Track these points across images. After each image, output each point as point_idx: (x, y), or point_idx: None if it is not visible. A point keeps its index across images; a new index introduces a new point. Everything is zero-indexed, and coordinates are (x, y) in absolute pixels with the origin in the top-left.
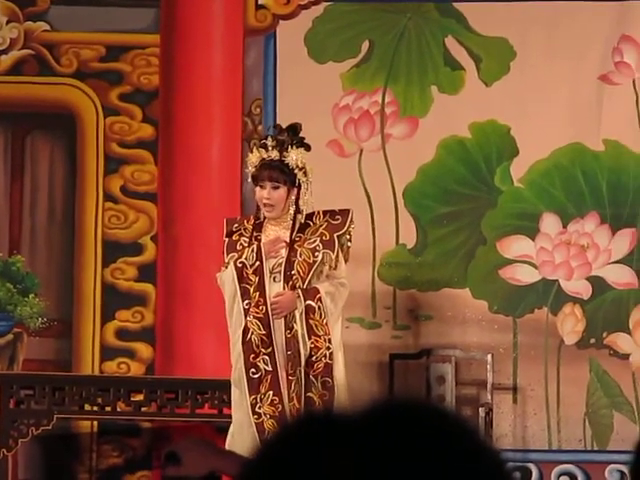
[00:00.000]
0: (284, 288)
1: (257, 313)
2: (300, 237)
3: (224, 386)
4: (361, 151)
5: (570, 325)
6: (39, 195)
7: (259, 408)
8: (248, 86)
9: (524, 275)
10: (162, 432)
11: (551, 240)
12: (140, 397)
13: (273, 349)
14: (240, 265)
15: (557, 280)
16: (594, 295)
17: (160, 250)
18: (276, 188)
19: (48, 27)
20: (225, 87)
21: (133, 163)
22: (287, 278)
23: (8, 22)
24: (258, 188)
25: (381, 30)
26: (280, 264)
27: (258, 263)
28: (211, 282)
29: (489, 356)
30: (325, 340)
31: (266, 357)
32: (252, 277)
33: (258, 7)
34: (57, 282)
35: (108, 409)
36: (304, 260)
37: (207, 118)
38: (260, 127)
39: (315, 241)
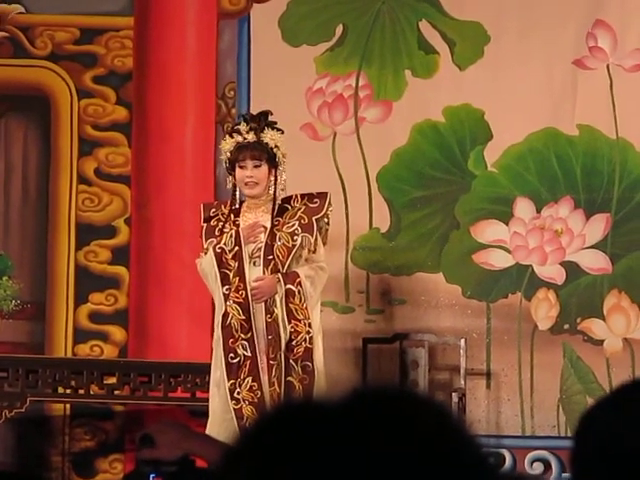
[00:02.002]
0: (264, 273)
1: (237, 298)
2: (279, 221)
3: (197, 370)
4: (335, 135)
5: (544, 310)
6: (13, 177)
7: (237, 394)
8: (222, 69)
9: (498, 260)
10: (135, 415)
11: (525, 225)
12: (113, 380)
13: (252, 334)
14: (219, 250)
15: (531, 265)
16: (568, 280)
17: (134, 233)
18: (258, 166)
19: (23, 9)
20: (199, 70)
21: (107, 145)
22: (267, 262)
23: None
24: (238, 170)
25: (355, 14)
26: (259, 249)
27: (237, 248)
28: (184, 265)
29: (462, 341)
30: (305, 324)
31: (245, 342)
32: (231, 262)
33: None
34: (30, 265)
35: (81, 392)
36: (283, 244)
37: (181, 101)
38: (234, 110)
39: (294, 225)
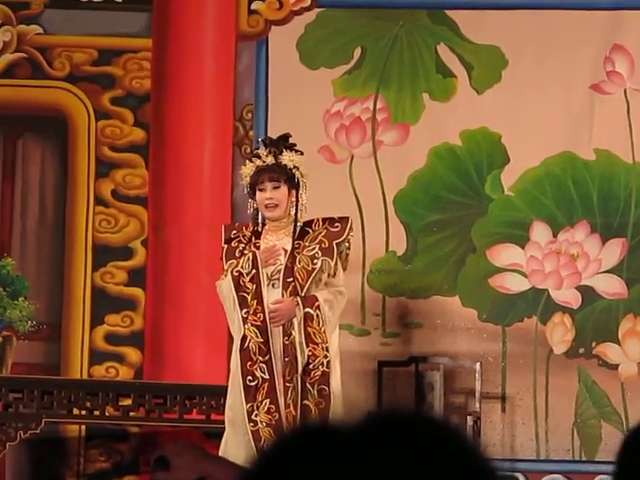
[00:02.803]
0: (283, 295)
1: (255, 321)
2: (299, 244)
3: (213, 392)
4: (352, 157)
5: (559, 334)
6: (30, 198)
7: (255, 416)
8: (240, 91)
9: (514, 284)
10: (150, 437)
11: (541, 249)
12: (128, 402)
13: (270, 357)
14: (237, 274)
15: (547, 289)
16: (583, 305)
17: (150, 254)
18: (277, 188)
19: (41, 30)
20: (217, 92)
21: (124, 167)
22: (286, 285)
23: (1, 25)
24: (258, 193)
25: (373, 37)
26: (279, 271)
27: (254, 271)
28: (201, 287)
29: (478, 364)
30: (323, 348)
31: (263, 365)
32: (249, 285)
33: (250, 12)
34: (47, 285)
35: (96, 413)
36: (303, 267)
37: (198, 123)
38: (251, 132)
39: (314, 248)
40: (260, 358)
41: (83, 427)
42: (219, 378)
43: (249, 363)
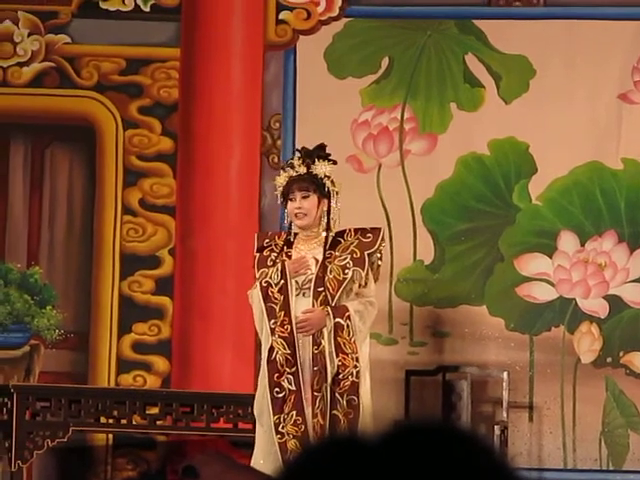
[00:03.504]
0: (313, 304)
1: (282, 332)
2: (331, 254)
3: (240, 400)
4: (380, 167)
5: (587, 344)
6: (58, 207)
7: (282, 428)
8: (267, 101)
9: (541, 293)
10: (177, 446)
11: (569, 258)
12: (155, 410)
13: (297, 368)
14: (265, 285)
15: (574, 298)
16: (611, 314)
17: (178, 263)
18: (306, 197)
19: (69, 40)
20: (244, 101)
21: (152, 176)
22: (316, 294)
23: (30, 34)
24: (289, 202)
25: (401, 46)
26: (310, 280)
27: (283, 282)
28: (228, 296)
29: (505, 374)
30: (353, 358)
31: (290, 377)
32: (277, 296)
33: (278, 22)
34: (75, 294)
35: (124, 422)
36: (334, 277)
37: (226, 132)
38: (279, 142)
39: (346, 258)
40: (287, 369)
41: (110, 436)
42: (246, 387)
43: (276, 375)
